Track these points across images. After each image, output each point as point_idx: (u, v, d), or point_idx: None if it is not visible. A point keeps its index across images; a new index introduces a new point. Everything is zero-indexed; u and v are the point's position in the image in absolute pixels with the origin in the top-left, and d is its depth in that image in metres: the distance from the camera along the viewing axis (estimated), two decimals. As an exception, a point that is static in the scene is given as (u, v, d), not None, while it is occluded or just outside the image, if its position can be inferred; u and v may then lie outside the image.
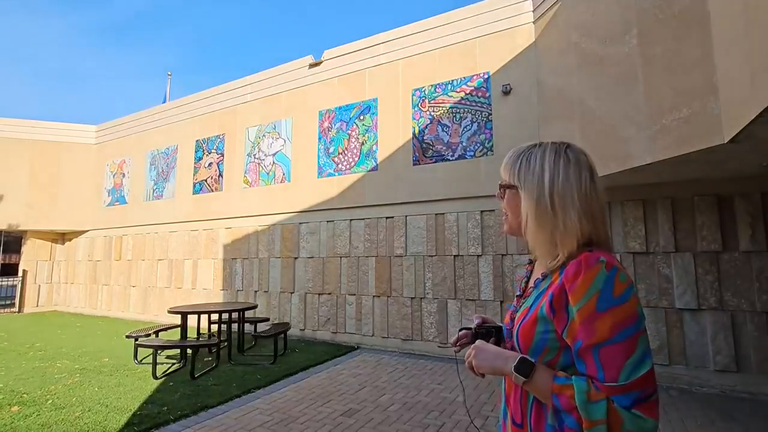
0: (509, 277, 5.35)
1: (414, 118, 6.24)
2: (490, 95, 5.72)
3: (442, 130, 5.99)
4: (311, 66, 7.35)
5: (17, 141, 10.15)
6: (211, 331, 6.26)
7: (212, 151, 8.50)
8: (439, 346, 5.57)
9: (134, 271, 9.49)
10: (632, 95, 3.50)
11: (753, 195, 4.20)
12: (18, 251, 10.84)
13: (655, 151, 3.29)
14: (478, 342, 0.96)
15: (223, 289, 7.96)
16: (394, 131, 6.39)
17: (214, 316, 6.25)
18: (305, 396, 4.04)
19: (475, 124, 5.76)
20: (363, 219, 6.53)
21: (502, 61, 5.70)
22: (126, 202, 9.94)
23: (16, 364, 5.20)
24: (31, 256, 10.57)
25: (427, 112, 6.15)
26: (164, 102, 11.59)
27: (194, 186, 8.66)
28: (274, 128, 7.69)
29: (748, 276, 4.16)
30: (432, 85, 6.17)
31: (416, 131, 6.20)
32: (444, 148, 5.95)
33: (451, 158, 5.88)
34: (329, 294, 6.71)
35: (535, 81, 5.41)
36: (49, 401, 3.83)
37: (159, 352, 5.05)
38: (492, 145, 5.62)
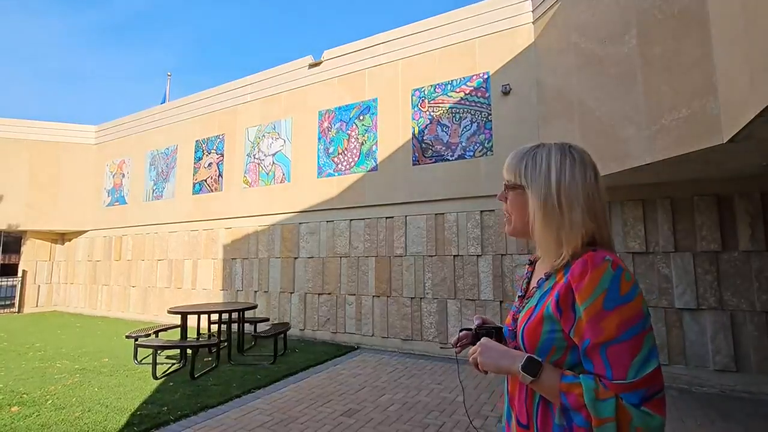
0: (509, 277, 5.36)
1: (414, 118, 6.25)
2: (489, 95, 5.72)
3: (442, 130, 5.99)
4: (311, 66, 7.35)
5: (17, 141, 10.15)
6: (211, 331, 6.27)
7: (212, 151, 8.50)
8: (440, 347, 5.57)
9: (134, 272, 9.49)
10: (632, 95, 3.50)
11: (753, 195, 4.20)
12: (18, 251, 10.83)
13: (655, 151, 3.29)
14: (484, 339, 0.96)
15: (222, 289, 7.96)
16: (393, 131, 6.39)
17: (214, 317, 6.25)
18: (305, 396, 4.04)
19: (475, 125, 5.76)
20: (363, 219, 6.53)
21: (501, 62, 5.70)
22: (126, 203, 9.94)
23: (15, 365, 5.20)
24: (30, 256, 10.57)
25: (427, 112, 6.15)
26: (164, 102, 11.58)
27: (194, 186, 8.66)
28: (274, 128, 7.69)
29: (748, 276, 4.16)
30: (432, 85, 6.17)
31: (416, 131, 6.20)
32: (444, 148, 5.95)
33: (450, 158, 5.88)
34: (329, 294, 6.71)
35: (534, 81, 5.41)
36: (49, 401, 3.83)
37: (159, 352, 5.05)
38: (492, 145, 5.63)
